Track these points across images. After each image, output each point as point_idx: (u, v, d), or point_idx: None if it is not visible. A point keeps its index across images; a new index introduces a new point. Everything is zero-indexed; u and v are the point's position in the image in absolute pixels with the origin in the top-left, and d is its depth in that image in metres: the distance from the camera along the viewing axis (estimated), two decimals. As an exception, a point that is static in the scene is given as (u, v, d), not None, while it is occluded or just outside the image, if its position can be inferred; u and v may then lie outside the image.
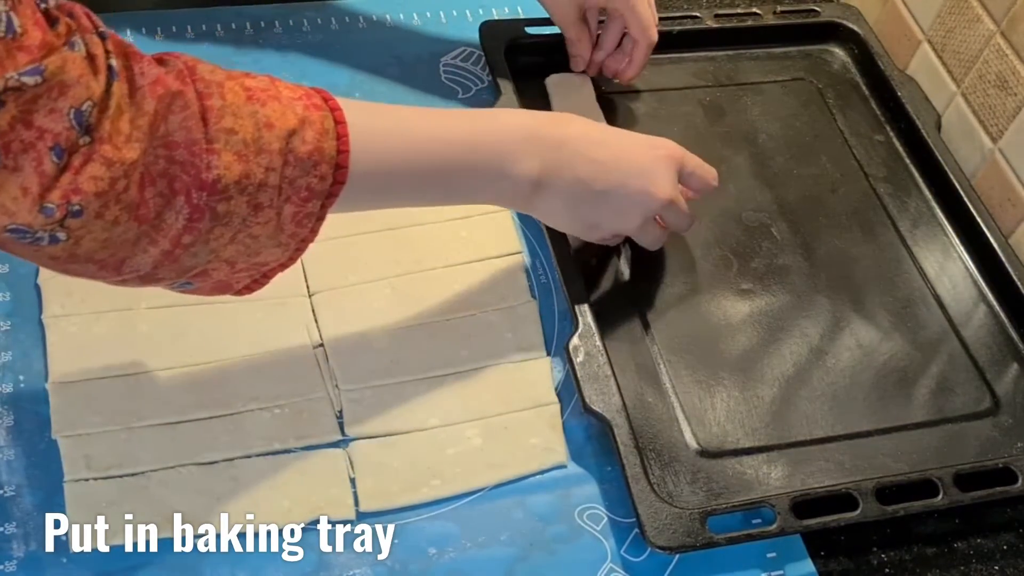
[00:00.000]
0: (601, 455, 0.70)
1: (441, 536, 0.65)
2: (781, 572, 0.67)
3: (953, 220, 0.86)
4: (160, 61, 0.53)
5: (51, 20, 0.48)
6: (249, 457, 0.66)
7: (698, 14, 0.95)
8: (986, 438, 0.73)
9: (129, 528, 0.62)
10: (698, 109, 0.91)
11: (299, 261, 0.74)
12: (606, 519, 0.67)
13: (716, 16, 0.95)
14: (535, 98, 0.88)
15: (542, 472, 0.69)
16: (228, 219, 0.54)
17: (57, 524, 0.62)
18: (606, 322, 0.74)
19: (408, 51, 0.91)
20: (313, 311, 0.73)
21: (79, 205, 0.48)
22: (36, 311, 0.70)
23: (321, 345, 0.72)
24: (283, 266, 0.60)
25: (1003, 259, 0.82)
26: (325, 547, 0.64)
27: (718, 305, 0.78)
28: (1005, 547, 0.70)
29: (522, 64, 0.90)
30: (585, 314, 0.73)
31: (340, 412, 0.69)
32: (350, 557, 0.63)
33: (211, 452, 0.66)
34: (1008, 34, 0.84)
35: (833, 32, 0.97)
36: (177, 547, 0.62)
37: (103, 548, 0.62)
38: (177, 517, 0.63)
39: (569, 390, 0.72)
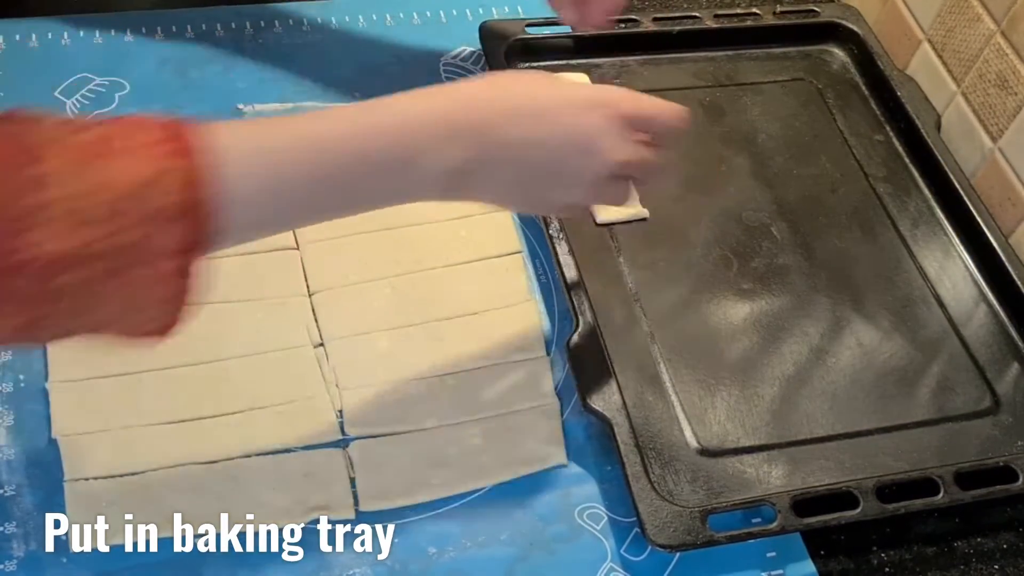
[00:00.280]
0: (601, 454, 0.70)
1: (441, 536, 0.65)
2: (781, 572, 0.67)
3: (953, 220, 0.86)
4: None
5: None
6: (249, 457, 0.66)
7: (698, 14, 0.95)
8: (986, 437, 0.73)
9: (129, 528, 0.62)
10: (698, 109, 0.91)
11: (300, 260, 0.75)
12: (606, 518, 0.67)
13: (716, 16, 0.95)
14: (535, 98, 0.88)
15: (542, 472, 0.69)
16: (67, 297, 0.47)
17: (57, 524, 0.62)
18: (606, 321, 0.74)
19: (408, 51, 0.91)
20: (313, 311, 0.73)
21: None
22: (36, 311, 0.70)
23: (321, 345, 0.72)
24: (164, 330, 0.52)
25: (1003, 258, 0.82)
26: (325, 547, 0.64)
27: (718, 304, 0.78)
28: (1005, 546, 0.70)
29: (522, 64, 0.90)
30: (585, 313, 0.73)
31: (340, 412, 0.69)
32: (350, 557, 0.63)
33: (211, 452, 0.66)
34: (1008, 33, 0.84)
35: (833, 32, 0.97)
36: (177, 547, 0.62)
37: (103, 548, 0.62)
38: (177, 517, 0.63)
39: (569, 389, 0.72)
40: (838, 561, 0.68)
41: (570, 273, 0.75)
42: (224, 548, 0.63)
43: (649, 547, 0.65)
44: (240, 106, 0.84)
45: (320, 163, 0.54)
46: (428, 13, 0.95)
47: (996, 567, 0.69)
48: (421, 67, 0.90)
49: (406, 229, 0.78)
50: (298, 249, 0.76)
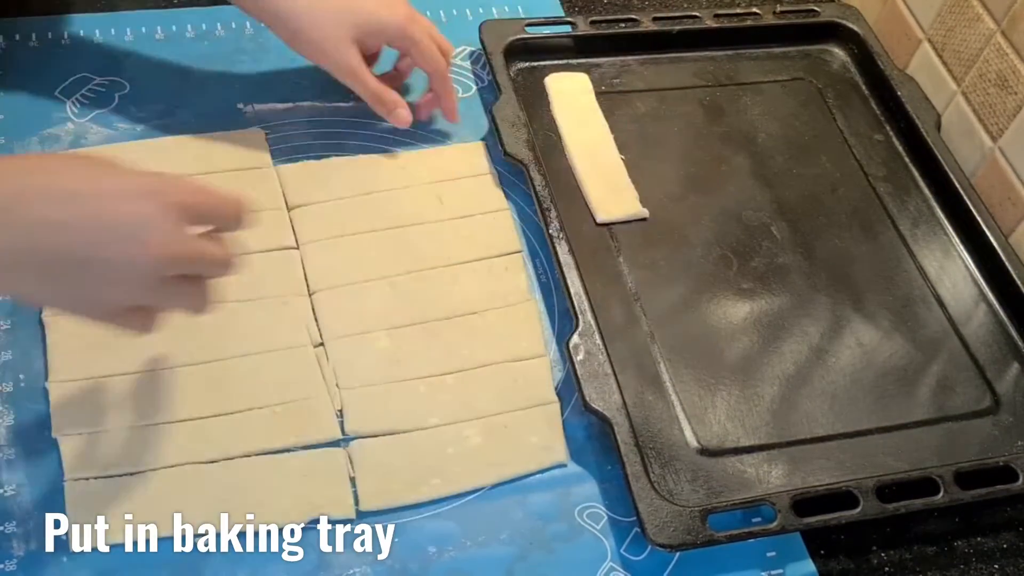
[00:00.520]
0: (601, 454, 0.70)
1: (441, 535, 0.65)
2: (781, 571, 0.67)
3: (953, 219, 0.86)
4: None
5: None
6: (249, 456, 0.66)
7: (698, 14, 0.95)
8: (986, 436, 0.73)
9: (129, 528, 0.62)
10: (698, 109, 0.91)
11: (299, 260, 0.75)
12: (606, 518, 0.67)
13: (716, 16, 0.95)
14: (535, 98, 0.88)
15: (542, 471, 0.69)
16: None
17: (57, 523, 0.62)
18: (606, 321, 0.74)
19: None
20: (313, 310, 0.73)
21: None
22: (36, 310, 0.70)
23: (321, 344, 0.72)
24: None
25: (1003, 258, 0.82)
26: (325, 546, 0.64)
27: (718, 304, 0.78)
28: (1005, 546, 0.70)
29: (522, 64, 0.90)
30: (585, 313, 0.73)
31: (340, 411, 0.69)
32: (350, 556, 0.63)
33: (211, 451, 0.66)
34: (1008, 33, 0.84)
35: (833, 32, 0.97)
36: (177, 547, 0.62)
37: (103, 547, 0.62)
38: (177, 517, 0.63)
39: (569, 389, 0.72)
40: (838, 561, 0.68)
41: (570, 273, 0.75)
42: (224, 548, 0.63)
43: (649, 546, 0.65)
44: (240, 106, 0.84)
45: None
46: (428, 13, 0.94)
47: (996, 567, 0.69)
48: (421, 67, 0.90)
49: (406, 229, 0.78)
50: (298, 249, 0.76)
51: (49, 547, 0.61)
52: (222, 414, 0.68)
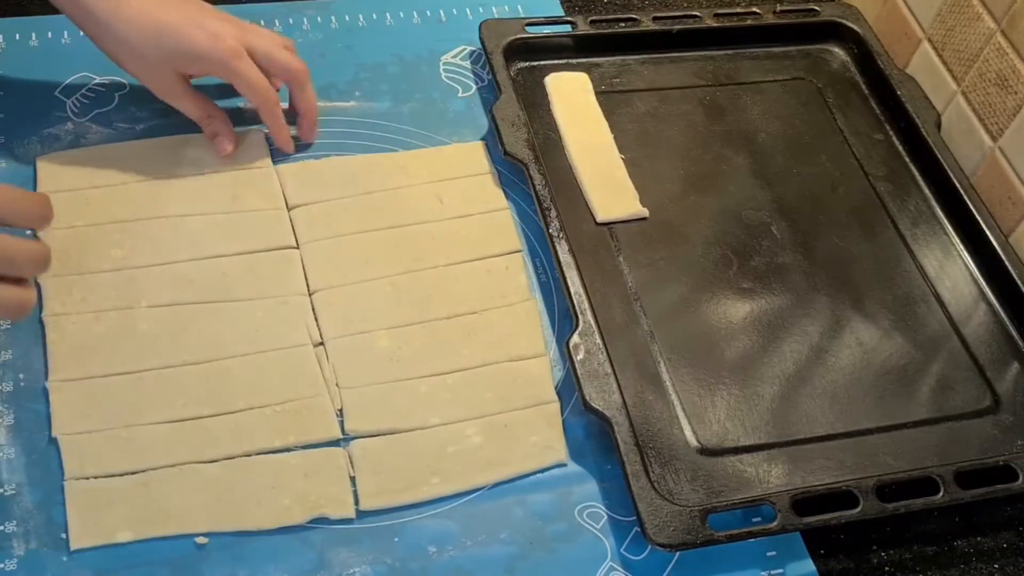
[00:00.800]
0: (601, 453, 0.70)
1: (441, 534, 0.65)
2: (781, 571, 0.67)
3: (953, 219, 0.86)
4: None
5: None
6: (249, 456, 0.66)
7: (698, 13, 0.95)
8: (986, 436, 0.73)
9: (129, 527, 0.62)
10: (698, 108, 0.91)
11: (299, 260, 0.75)
12: (606, 517, 0.67)
13: (716, 15, 0.95)
14: (535, 97, 0.88)
15: (542, 470, 0.69)
16: None
17: (57, 523, 0.62)
18: (606, 320, 0.74)
19: (408, 50, 0.91)
20: (313, 309, 0.73)
21: None
22: (36, 309, 0.70)
23: (321, 344, 0.72)
24: None
25: (1003, 257, 0.82)
26: (325, 546, 0.64)
27: (718, 303, 0.78)
28: (1005, 545, 0.70)
29: (522, 63, 0.90)
30: (585, 312, 0.73)
31: (340, 410, 0.69)
32: (350, 556, 0.63)
33: (211, 450, 0.66)
34: (1008, 32, 0.84)
35: (833, 31, 0.97)
36: (177, 546, 0.62)
37: (103, 546, 0.62)
38: (177, 516, 0.63)
39: (569, 388, 0.72)
40: (838, 560, 0.68)
41: (570, 272, 0.75)
42: (224, 547, 0.63)
43: (649, 546, 0.65)
44: (241, 105, 0.84)
45: None
46: (428, 12, 0.95)
47: (996, 566, 0.69)
48: (421, 66, 0.90)
49: (406, 228, 0.78)
50: (298, 248, 0.76)
51: (49, 546, 0.61)
52: (222, 413, 0.68)
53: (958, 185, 0.86)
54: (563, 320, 0.76)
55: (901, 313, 0.80)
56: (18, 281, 0.61)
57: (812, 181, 0.87)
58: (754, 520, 0.68)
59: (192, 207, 0.77)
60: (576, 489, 0.68)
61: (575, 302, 0.73)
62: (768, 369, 0.75)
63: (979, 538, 0.70)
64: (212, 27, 0.75)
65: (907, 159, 0.90)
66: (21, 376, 0.68)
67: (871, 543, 0.69)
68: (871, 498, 0.67)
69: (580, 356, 0.70)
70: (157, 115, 0.82)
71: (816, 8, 0.98)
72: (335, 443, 0.68)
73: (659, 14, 0.94)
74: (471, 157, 0.84)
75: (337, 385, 0.70)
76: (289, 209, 0.78)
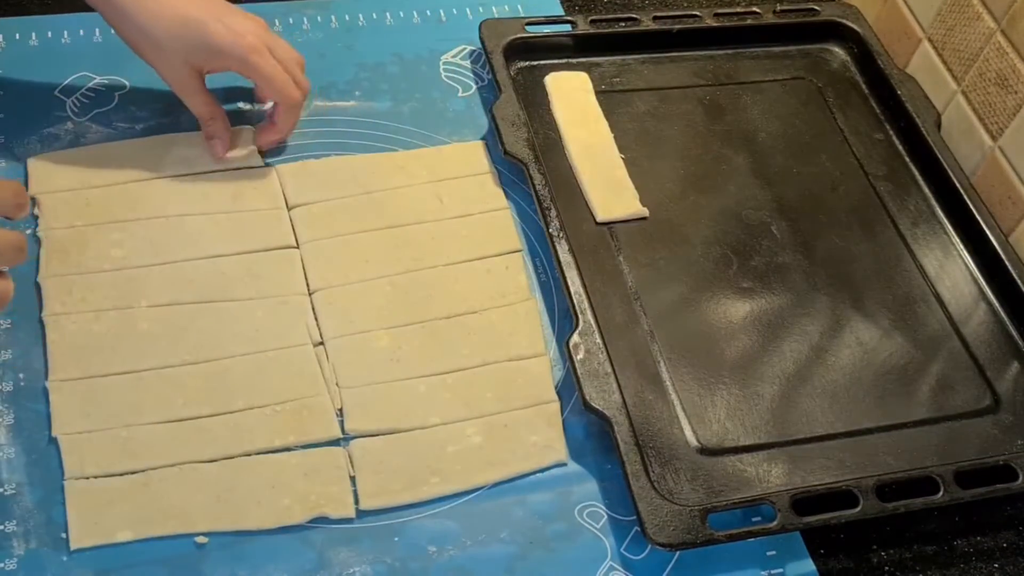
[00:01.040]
0: (601, 453, 0.70)
1: (441, 534, 0.65)
2: (781, 571, 0.67)
3: (953, 218, 0.86)
4: None
5: None
6: (249, 455, 0.66)
7: (698, 13, 0.95)
8: (986, 436, 0.73)
9: (129, 526, 0.62)
10: (698, 108, 0.91)
11: (299, 259, 0.75)
12: (606, 517, 0.67)
13: (716, 15, 0.95)
14: (535, 97, 0.88)
15: (542, 470, 0.69)
16: None
17: (57, 522, 0.62)
18: (606, 320, 0.74)
19: (408, 49, 0.91)
20: (313, 309, 0.73)
21: None
22: (36, 309, 0.70)
23: (321, 343, 0.72)
24: None
25: (1003, 257, 0.82)
26: (325, 546, 0.64)
27: (718, 303, 0.78)
28: (1005, 545, 0.70)
29: (522, 63, 0.90)
30: (585, 312, 0.73)
31: (340, 410, 0.69)
32: (350, 555, 0.63)
33: (211, 450, 0.66)
34: (1008, 32, 0.84)
35: (833, 31, 0.97)
36: (177, 546, 0.62)
37: (103, 546, 0.62)
38: (177, 516, 0.63)
39: (569, 388, 0.72)
40: (838, 560, 0.68)
41: (570, 272, 0.75)
42: (224, 547, 0.63)
43: (649, 546, 0.65)
44: (240, 105, 0.84)
45: None
46: (428, 12, 0.95)
47: (996, 565, 0.69)
48: (421, 66, 0.90)
49: (406, 228, 0.78)
50: (298, 248, 0.76)
51: (49, 546, 0.61)
52: (222, 413, 0.68)
53: (958, 185, 0.86)
54: (563, 320, 0.76)
55: (901, 313, 0.80)
56: None
57: (812, 181, 0.87)
58: (754, 520, 0.68)
59: (192, 207, 0.77)
60: (576, 489, 0.68)
61: (575, 302, 0.73)
62: (768, 369, 0.75)
63: (979, 538, 0.70)
64: (236, 24, 0.75)
65: (907, 159, 0.90)
66: (21, 376, 0.68)
67: (871, 543, 0.69)
68: (871, 498, 0.67)
69: (580, 356, 0.70)
70: (157, 115, 0.82)
71: (816, 8, 0.98)
72: (335, 443, 0.68)
73: (659, 14, 0.94)
74: (471, 157, 0.84)
75: (337, 385, 0.70)
76: (289, 209, 0.78)
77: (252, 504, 0.64)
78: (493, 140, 0.84)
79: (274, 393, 0.69)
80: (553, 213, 0.77)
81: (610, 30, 0.92)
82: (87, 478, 0.64)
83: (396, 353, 0.72)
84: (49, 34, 0.87)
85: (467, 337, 0.73)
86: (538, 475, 0.68)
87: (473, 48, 0.92)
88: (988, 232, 0.83)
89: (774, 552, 0.67)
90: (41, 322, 0.70)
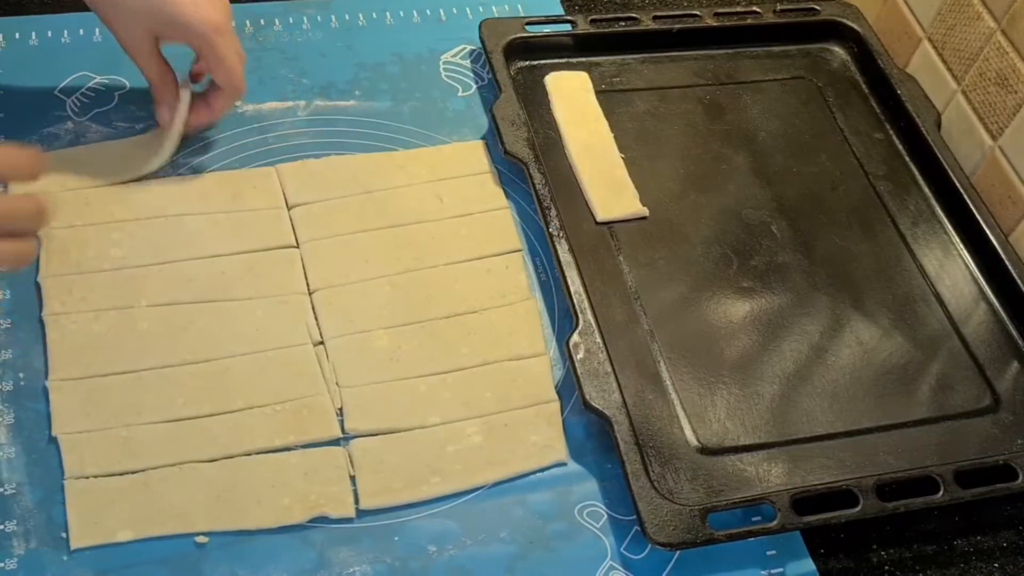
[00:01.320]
0: (601, 452, 0.70)
1: (441, 533, 0.65)
2: (781, 570, 0.67)
3: (953, 218, 0.86)
4: None
5: None
6: (249, 455, 0.66)
7: (698, 12, 0.95)
8: (986, 435, 0.73)
9: (129, 526, 0.62)
10: (698, 107, 0.91)
11: (299, 259, 0.75)
12: (606, 517, 0.67)
13: (716, 14, 0.95)
14: (535, 96, 0.88)
15: (542, 470, 0.69)
16: None
17: (57, 522, 0.62)
18: (606, 319, 0.74)
19: (408, 49, 0.91)
20: (313, 309, 0.73)
21: None
22: (36, 309, 0.70)
23: (321, 343, 0.72)
24: None
25: (1003, 257, 0.82)
26: (325, 545, 0.64)
27: (718, 303, 0.78)
28: (1005, 545, 0.70)
29: (522, 62, 0.90)
30: (585, 311, 0.73)
31: (340, 410, 0.69)
32: (350, 555, 0.63)
33: (211, 450, 0.66)
34: (1009, 32, 0.84)
35: (833, 30, 0.97)
36: (177, 546, 0.62)
37: (103, 546, 0.62)
38: (177, 515, 0.63)
39: (569, 388, 0.72)
40: (838, 559, 0.68)
41: (570, 271, 0.75)
42: (224, 546, 0.63)
43: (649, 545, 0.65)
44: (239, 104, 0.84)
45: None
46: (428, 11, 0.95)
47: (996, 565, 0.69)
48: (421, 65, 0.90)
49: (406, 227, 0.78)
50: (298, 248, 0.76)
51: (49, 545, 0.61)
52: (222, 413, 0.68)
53: (958, 184, 0.86)
54: (563, 319, 0.76)
55: (901, 312, 0.80)
56: (15, 234, 0.62)
57: (812, 180, 0.87)
58: (754, 519, 0.68)
59: (192, 206, 0.77)
60: (576, 488, 0.68)
61: (575, 301, 0.73)
62: (768, 368, 0.75)
63: (979, 537, 0.70)
64: (203, 2, 0.73)
65: (907, 158, 0.90)
66: (21, 375, 0.68)
67: (871, 542, 0.69)
68: (871, 497, 0.67)
69: (580, 355, 0.70)
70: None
71: (816, 7, 0.98)
72: (335, 442, 0.68)
73: (659, 13, 0.94)
74: (471, 156, 0.84)
75: (337, 384, 0.70)
76: (289, 208, 0.78)
77: (252, 504, 0.64)
78: (493, 140, 0.84)
79: (274, 393, 0.69)
80: (553, 213, 0.77)
81: (610, 30, 0.92)
82: (87, 477, 0.64)
83: (396, 353, 0.72)
84: (49, 34, 0.87)
85: (467, 337, 0.73)
86: (538, 475, 0.69)
87: (473, 48, 0.92)
88: (988, 232, 0.83)
89: (774, 552, 0.67)
90: (41, 321, 0.70)
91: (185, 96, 0.78)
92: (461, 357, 0.72)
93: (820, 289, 0.80)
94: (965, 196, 0.85)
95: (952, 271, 0.83)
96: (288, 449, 0.67)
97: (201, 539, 0.63)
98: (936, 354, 0.78)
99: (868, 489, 0.67)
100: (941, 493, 0.68)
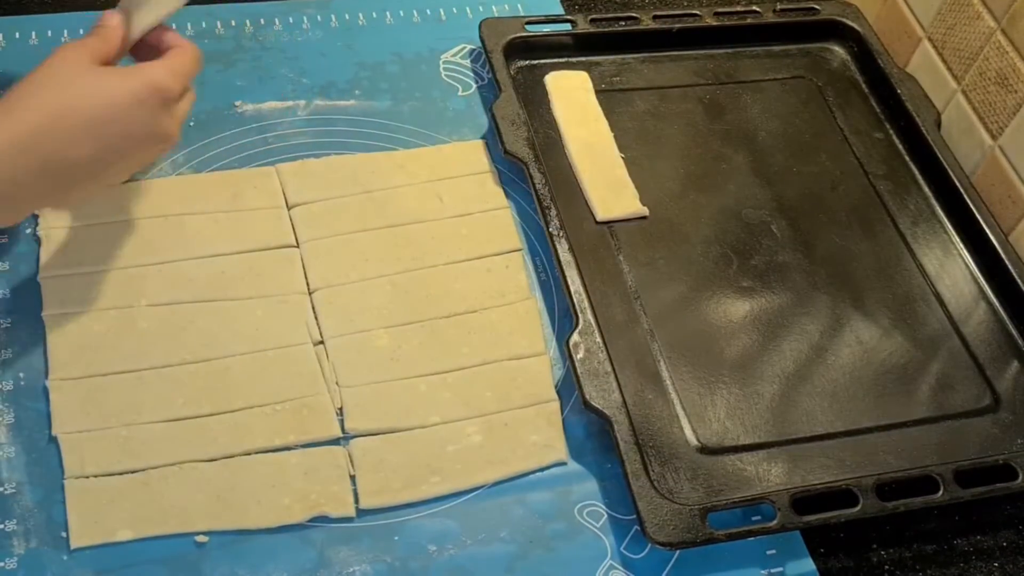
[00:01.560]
0: (601, 452, 0.70)
1: (441, 533, 0.65)
2: (781, 569, 0.67)
3: (953, 217, 0.86)
4: None
5: None
6: (249, 454, 0.66)
7: (698, 12, 0.95)
8: (986, 435, 0.73)
9: (129, 525, 0.62)
10: (698, 107, 0.91)
11: (299, 258, 0.75)
12: (606, 516, 0.67)
13: (716, 14, 0.95)
14: (535, 96, 0.88)
15: (542, 469, 0.69)
16: None
17: (57, 522, 0.62)
18: (606, 319, 0.74)
19: (408, 48, 0.91)
20: (313, 308, 0.73)
21: None
22: (36, 308, 0.70)
23: (321, 342, 0.72)
24: None
25: (1003, 256, 0.82)
26: (325, 544, 0.64)
27: (718, 302, 0.78)
28: (1005, 544, 0.71)
29: (522, 62, 0.90)
30: (585, 311, 0.73)
31: (340, 409, 0.69)
32: (350, 554, 0.64)
33: (211, 449, 0.66)
34: (1008, 31, 0.84)
35: (833, 30, 0.97)
36: (177, 545, 0.62)
37: (103, 545, 0.62)
38: (177, 515, 0.63)
39: (569, 387, 0.72)
40: (838, 559, 0.68)
41: (570, 271, 0.75)
42: (224, 546, 0.63)
43: (649, 545, 0.65)
44: (238, 104, 0.84)
45: None
46: (428, 11, 0.95)
47: (996, 564, 0.69)
48: (421, 65, 0.90)
49: (406, 227, 0.78)
50: (298, 247, 0.76)
51: (50, 545, 0.61)
52: (222, 412, 0.68)
53: (958, 184, 0.86)
54: (563, 319, 0.76)
55: (901, 312, 0.80)
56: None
57: (812, 180, 0.87)
58: (754, 519, 0.68)
59: (192, 206, 0.77)
60: (576, 488, 0.68)
61: (575, 301, 0.73)
62: (768, 368, 0.75)
63: (979, 537, 0.71)
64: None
65: (907, 158, 0.90)
66: (21, 375, 0.68)
67: (871, 542, 0.69)
68: (871, 497, 0.67)
69: (580, 355, 0.70)
70: (157, 114, 0.82)
71: (816, 7, 0.98)
72: (335, 442, 0.68)
73: (659, 13, 0.94)
74: (471, 156, 0.84)
75: (337, 384, 0.70)
76: (289, 208, 0.78)
77: (252, 503, 0.64)
78: (493, 139, 0.84)
79: (274, 392, 0.69)
80: (553, 212, 0.77)
81: (610, 29, 0.92)
82: (87, 477, 0.64)
83: (396, 352, 0.72)
84: (49, 33, 0.87)
85: (467, 336, 0.73)
86: (538, 474, 0.69)
87: (473, 47, 0.92)
88: (988, 231, 0.83)
89: (774, 551, 0.67)
90: (41, 321, 0.70)
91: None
92: (461, 357, 0.72)
93: (820, 289, 0.80)
94: (965, 196, 0.85)
95: (952, 271, 0.83)
96: (288, 449, 0.67)
97: (201, 539, 0.63)
98: (936, 354, 0.78)
99: (868, 489, 0.67)
100: (941, 493, 0.68)
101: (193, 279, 0.73)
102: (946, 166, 0.87)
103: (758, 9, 0.96)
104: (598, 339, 0.71)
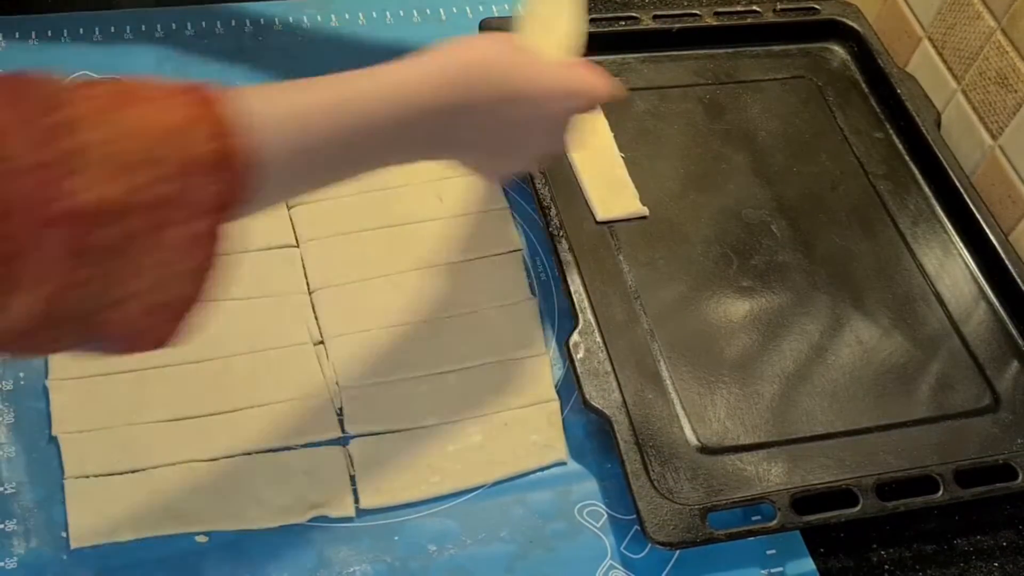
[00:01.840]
0: (601, 452, 0.70)
1: (441, 533, 0.65)
2: (781, 569, 0.67)
3: (953, 217, 0.86)
4: None
5: None
6: (249, 454, 0.66)
7: (698, 12, 0.95)
8: (986, 435, 0.73)
9: (129, 525, 0.62)
10: (698, 107, 0.91)
11: (299, 258, 0.75)
12: (606, 516, 0.67)
13: (716, 14, 0.95)
14: (535, 96, 0.88)
15: (542, 469, 0.69)
16: (101, 259, 0.43)
17: (57, 521, 0.62)
18: (606, 319, 0.74)
19: (408, 48, 0.91)
20: (313, 308, 0.73)
21: None
22: (36, 308, 0.70)
23: (321, 342, 0.72)
24: (190, 301, 0.50)
25: (1003, 256, 0.82)
26: (325, 544, 0.64)
27: (718, 302, 0.78)
28: (1005, 544, 0.70)
29: (522, 62, 0.90)
30: (585, 311, 0.73)
31: (340, 409, 0.69)
32: (350, 554, 0.64)
33: (211, 449, 0.66)
34: (1009, 31, 0.84)
35: (833, 30, 0.97)
36: (177, 545, 0.62)
37: (103, 545, 0.62)
38: (177, 515, 0.63)
39: (569, 387, 0.72)
40: (838, 559, 0.68)
41: (570, 271, 0.75)
42: (224, 546, 0.63)
43: (649, 545, 0.65)
44: (240, 104, 0.84)
45: (340, 127, 0.56)
46: (428, 11, 0.95)
47: (996, 564, 0.69)
48: (421, 65, 0.90)
49: (406, 227, 0.78)
50: (298, 247, 0.76)
51: (49, 545, 0.61)
52: (222, 412, 0.68)
53: (958, 184, 0.86)
54: (563, 319, 0.76)
55: (901, 312, 0.80)
56: None
57: (812, 180, 0.87)
58: (754, 519, 0.68)
59: (192, 206, 0.76)
60: (576, 488, 0.68)
61: (575, 301, 0.73)
62: (768, 368, 0.75)
63: (979, 536, 0.71)
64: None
65: (907, 158, 0.90)
66: (21, 374, 0.68)
67: (871, 541, 0.69)
68: (871, 497, 0.67)
69: (580, 355, 0.70)
70: (157, 114, 0.82)
71: (816, 7, 0.98)
72: (335, 442, 0.68)
73: (659, 12, 0.94)
74: (471, 156, 0.84)
75: (337, 383, 0.70)
76: (289, 207, 0.78)
77: (252, 503, 0.64)
78: (493, 139, 0.84)
79: (274, 392, 0.69)
80: (553, 212, 0.77)
81: (610, 29, 0.92)
82: (87, 477, 0.64)
83: (396, 352, 0.72)
84: (49, 32, 0.87)
85: (467, 336, 0.73)
86: (538, 474, 0.69)
87: (473, 47, 0.92)
88: (988, 231, 0.83)
89: (774, 551, 0.67)
90: (41, 321, 0.70)
91: None
92: (461, 357, 0.72)
93: (820, 289, 0.80)
94: (965, 195, 0.85)
95: (952, 271, 0.83)
96: (288, 449, 0.67)
97: (201, 539, 0.63)
98: (936, 354, 0.78)
99: (868, 488, 0.67)
100: (941, 492, 0.68)
101: (193, 279, 0.73)
102: (946, 166, 0.87)
103: (758, 9, 0.96)
104: (598, 339, 0.71)
